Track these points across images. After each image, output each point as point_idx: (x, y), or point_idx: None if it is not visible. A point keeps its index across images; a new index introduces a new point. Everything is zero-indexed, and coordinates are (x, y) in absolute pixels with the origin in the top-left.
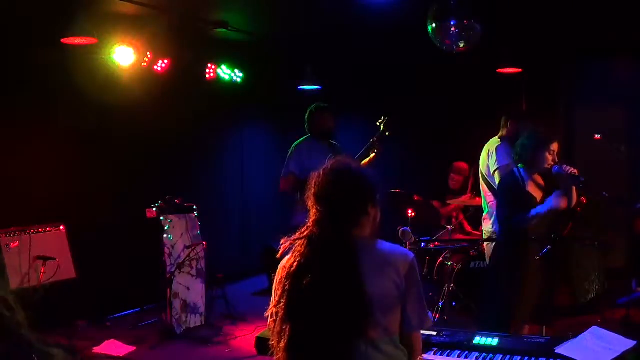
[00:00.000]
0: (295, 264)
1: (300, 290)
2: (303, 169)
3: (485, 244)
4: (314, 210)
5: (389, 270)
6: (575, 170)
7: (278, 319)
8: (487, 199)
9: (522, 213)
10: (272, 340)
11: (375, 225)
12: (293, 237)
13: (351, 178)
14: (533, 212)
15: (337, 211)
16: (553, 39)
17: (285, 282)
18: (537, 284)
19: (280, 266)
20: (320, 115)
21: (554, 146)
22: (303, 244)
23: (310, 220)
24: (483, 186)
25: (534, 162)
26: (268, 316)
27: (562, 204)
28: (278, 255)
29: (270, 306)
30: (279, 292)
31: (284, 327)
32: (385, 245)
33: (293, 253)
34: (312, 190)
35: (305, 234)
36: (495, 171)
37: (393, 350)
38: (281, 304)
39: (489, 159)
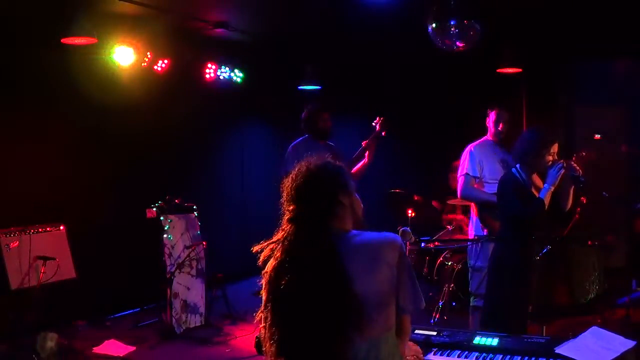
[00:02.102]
0: (276, 266)
1: (283, 293)
2: None
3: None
4: (287, 212)
5: (379, 266)
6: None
7: (267, 324)
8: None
9: (533, 202)
10: (264, 346)
11: (357, 215)
12: (268, 241)
13: (311, 171)
14: (542, 195)
15: (308, 204)
16: (553, 39)
17: (269, 286)
18: (536, 283)
19: (263, 272)
20: (318, 115)
21: (555, 147)
22: (281, 246)
23: (284, 221)
24: None
25: (535, 163)
26: (259, 321)
27: (562, 173)
28: (259, 262)
29: (259, 311)
30: (264, 297)
31: (273, 331)
32: (367, 237)
33: (274, 256)
34: (283, 196)
35: (280, 236)
36: (458, 179)
37: (389, 347)
38: (268, 309)
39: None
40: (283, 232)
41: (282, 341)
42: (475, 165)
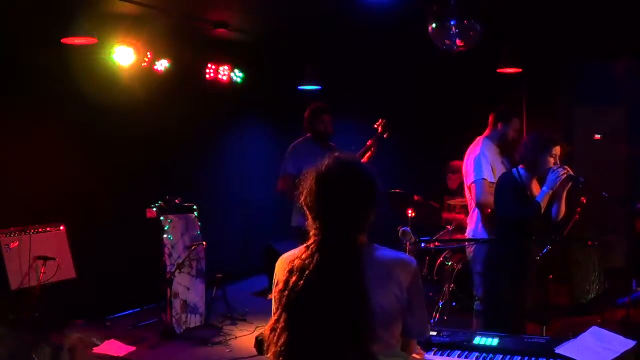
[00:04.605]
0: (301, 282)
1: (303, 310)
2: (300, 169)
3: (468, 247)
4: (316, 215)
5: (391, 284)
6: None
7: (277, 334)
8: (468, 201)
9: (531, 204)
10: (268, 353)
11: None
12: (300, 254)
13: (357, 180)
14: (539, 198)
15: (344, 219)
16: (553, 39)
17: (287, 299)
18: (536, 283)
19: (278, 269)
20: (318, 117)
21: (556, 149)
22: (308, 258)
23: (314, 229)
24: (466, 190)
25: (536, 164)
26: (267, 329)
27: (562, 178)
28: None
29: (271, 319)
30: (279, 308)
31: (284, 347)
32: (386, 253)
33: (293, 265)
34: (313, 191)
35: (313, 248)
36: (470, 184)
37: None
38: (281, 321)
39: (466, 166)
40: (314, 243)
41: (291, 348)
42: (490, 169)
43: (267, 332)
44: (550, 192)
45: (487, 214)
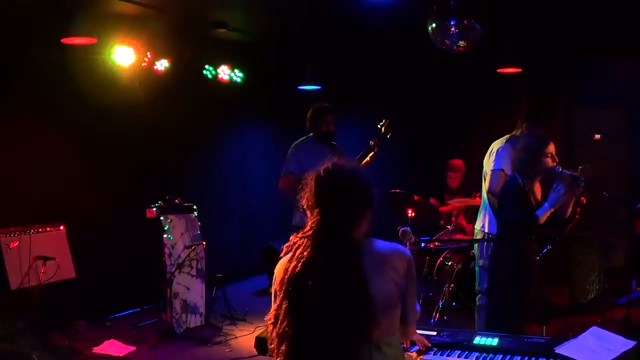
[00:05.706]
0: (299, 266)
1: (303, 293)
2: (302, 168)
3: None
4: (315, 212)
5: (389, 271)
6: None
7: (279, 322)
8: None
9: (531, 213)
10: (272, 344)
11: (370, 224)
12: (297, 236)
13: (352, 183)
14: (539, 212)
15: (339, 215)
16: (553, 39)
17: (288, 285)
18: (536, 283)
19: (278, 268)
20: (321, 117)
21: (551, 149)
22: (305, 245)
23: (312, 222)
24: (484, 183)
25: (534, 170)
26: (268, 320)
27: (564, 197)
28: (282, 255)
29: (271, 310)
30: (280, 295)
31: (286, 330)
32: (381, 244)
33: (294, 255)
34: (312, 192)
35: (308, 234)
36: (489, 172)
37: (393, 350)
38: (283, 307)
39: (489, 157)
40: (311, 232)
41: (297, 341)
42: (509, 163)
43: (269, 327)
44: (552, 210)
45: (494, 205)
